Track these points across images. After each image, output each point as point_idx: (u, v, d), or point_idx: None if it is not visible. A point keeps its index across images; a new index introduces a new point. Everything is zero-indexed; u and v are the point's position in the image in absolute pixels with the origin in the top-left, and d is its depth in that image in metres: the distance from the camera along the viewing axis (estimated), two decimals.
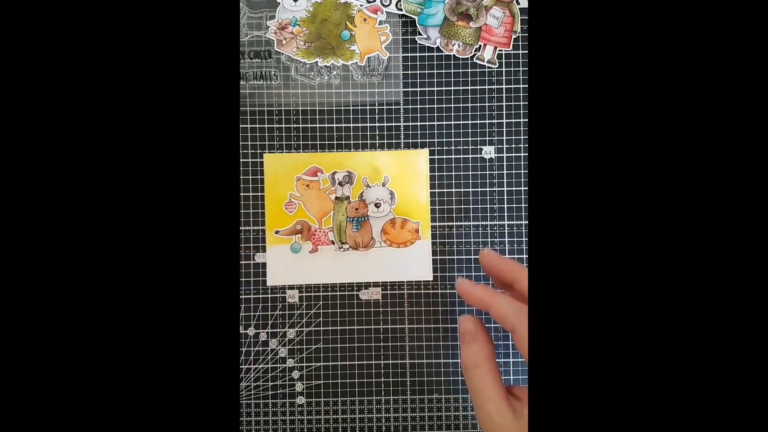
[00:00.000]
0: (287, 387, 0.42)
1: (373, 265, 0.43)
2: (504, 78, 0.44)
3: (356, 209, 0.43)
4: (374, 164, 0.43)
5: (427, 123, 0.43)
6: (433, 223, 0.43)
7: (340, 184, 0.43)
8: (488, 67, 0.44)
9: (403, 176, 0.43)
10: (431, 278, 0.43)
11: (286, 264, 0.41)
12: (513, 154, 0.43)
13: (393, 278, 0.43)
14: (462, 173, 0.43)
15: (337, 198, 0.43)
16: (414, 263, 0.42)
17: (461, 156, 0.43)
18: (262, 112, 0.43)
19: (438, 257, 0.43)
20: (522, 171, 0.43)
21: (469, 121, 0.43)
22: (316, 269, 0.43)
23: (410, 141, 0.43)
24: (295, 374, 0.42)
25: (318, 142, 0.43)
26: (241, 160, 0.43)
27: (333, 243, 0.43)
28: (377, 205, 0.43)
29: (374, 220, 0.43)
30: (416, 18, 0.43)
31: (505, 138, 0.43)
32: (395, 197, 0.43)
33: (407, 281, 0.43)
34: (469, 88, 0.44)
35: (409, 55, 0.44)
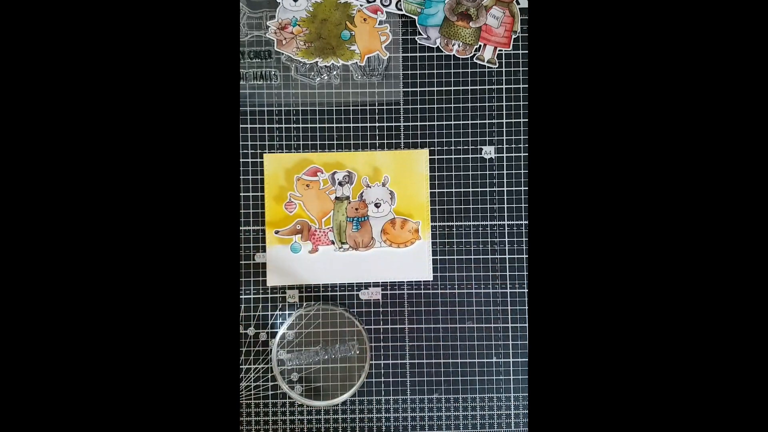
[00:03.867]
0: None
1: (373, 265, 0.43)
2: (504, 78, 0.44)
3: (356, 209, 0.43)
4: (374, 164, 0.43)
5: (427, 123, 0.43)
6: (433, 223, 0.43)
7: (340, 184, 0.43)
8: (488, 67, 0.44)
9: (403, 176, 0.43)
10: (431, 278, 0.43)
11: (286, 264, 0.41)
12: (513, 154, 0.43)
13: (393, 278, 0.43)
14: (462, 173, 0.43)
15: (337, 198, 0.43)
16: (414, 263, 0.42)
17: (461, 156, 0.43)
18: (262, 112, 0.43)
19: (438, 257, 0.43)
20: (522, 171, 0.43)
21: (469, 121, 0.43)
22: (316, 269, 0.43)
23: (410, 141, 0.43)
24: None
25: (318, 142, 0.43)
26: (241, 160, 0.43)
27: (333, 243, 0.43)
28: (377, 205, 0.43)
29: (374, 220, 0.43)
30: (416, 18, 0.43)
31: (505, 138, 0.43)
32: (395, 197, 0.43)
33: (407, 281, 0.43)
34: (469, 88, 0.43)
35: (409, 55, 0.43)
